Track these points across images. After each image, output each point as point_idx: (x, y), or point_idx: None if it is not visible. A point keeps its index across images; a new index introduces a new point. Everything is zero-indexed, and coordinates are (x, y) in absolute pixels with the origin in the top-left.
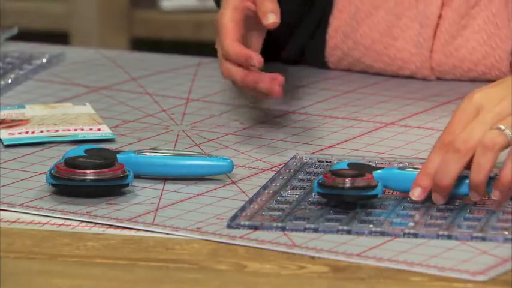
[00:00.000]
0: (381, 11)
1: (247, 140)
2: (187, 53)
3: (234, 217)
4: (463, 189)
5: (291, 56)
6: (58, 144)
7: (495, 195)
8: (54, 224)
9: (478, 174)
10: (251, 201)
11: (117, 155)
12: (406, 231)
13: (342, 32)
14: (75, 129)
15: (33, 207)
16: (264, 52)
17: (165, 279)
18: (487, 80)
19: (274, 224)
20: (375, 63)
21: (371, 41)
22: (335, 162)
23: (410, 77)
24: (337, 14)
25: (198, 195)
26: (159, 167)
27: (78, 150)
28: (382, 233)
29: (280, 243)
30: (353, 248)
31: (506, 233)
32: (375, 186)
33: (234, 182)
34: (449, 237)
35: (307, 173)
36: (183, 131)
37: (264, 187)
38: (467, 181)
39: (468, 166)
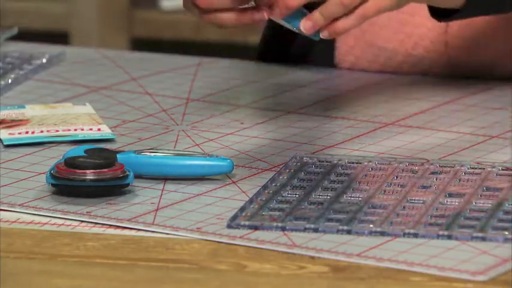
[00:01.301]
0: None
1: (247, 140)
2: (187, 53)
3: (234, 217)
4: (296, 22)
5: (299, 52)
6: (58, 144)
7: (324, 35)
8: (54, 224)
9: (355, 20)
10: (251, 201)
11: (117, 155)
12: (406, 231)
13: None
14: (75, 129)
15: (33, 207)
16: (271, 50)
17: (165, 279)
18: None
19: (274, 224)
20: (389, 43)
21: (387, 18)
22: (334, 162)
23: (422, 58)
24: None
25: (198, 195)
26: (159, 167)
27: (78, 150)
28: (382, 233)
29: (280, 243)
30: (353, 248)
31: (506, 233)
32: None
33: (234, 182)
34: (449, 237)
35: (307, 173)
36: (183, 131)
37: (264, 187)
38: (301, 16)
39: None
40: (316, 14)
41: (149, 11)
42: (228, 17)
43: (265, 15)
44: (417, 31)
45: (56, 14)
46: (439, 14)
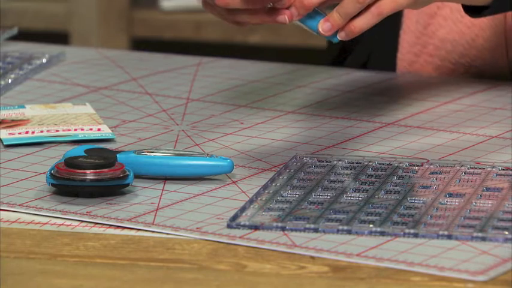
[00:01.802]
0: None
1: (247, 140)
2: (187, 53)
3: (234, 217)
4: (314, 24)
5: (360, 56)
6: (58, 144)
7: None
8: (54, 224)
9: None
10: (251, 201)
11: (117, 155)
12: (406, 231)
13: (416, 13)
14: (75, 129)
15: (33, 207)
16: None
17: (165, 279)
18: None
19: (274, 224)
20: (450, 34)
21: (449, 10)
22: (334, 162)
23: (482, 50)
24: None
25: (198, 195)
26: (159, 167)
27: (78, 150)
28: (382, 233)
29: (280, 243)
30: (353, 248)
31: (506, 233)
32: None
33: (234, 182)
34: (449, 237)
35: (307, 173)
36: (183, 131)
37: (264, 187)
38: (319, 18)
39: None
40: (334, 14)
41: (149, 11)
42: (248, 17)
43: (286, 18)
44: (477, 21)
45: (56, 14)
46: (471, 11)
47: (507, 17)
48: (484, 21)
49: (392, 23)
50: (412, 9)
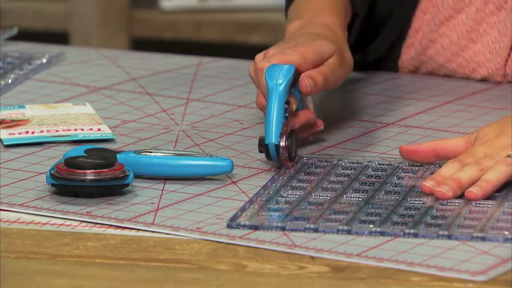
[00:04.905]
0: (462, 14)
1: (247, 140)
2: (187, 53)
3: (234, 217)
4: None
5: (371, 57)
6: (58, 144)
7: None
8: (54, 224)
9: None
10: (251, 201)
11: (117, 155)
12: (406, 231)
13: (422, 31)
14: (75, 129)
15: (33, 207)
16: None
17: (165, 279)
18: None
19: (274, 224)
20: (448, 63)
21: (449, 41)
22: (334, 162)
23: (482, 80)
24: (419, 14)
25: (198, 195)
26: (159, 167)
27: (78, 150)
28: (382, 233)
29: (280, 243)
30: (353, 248)
31: (506, 233)
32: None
33: (234, 182)
34: (449, 237)
35: (307, 173)
36: (183, 131)
37: (264, 187)
38: None
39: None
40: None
41: (149, 11)
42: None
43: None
44: (476, 59)
45: (56, 14)
46: None
47: (511, 57)
48: (481, 59)
49: (398, 33)
50: (418, 30)
